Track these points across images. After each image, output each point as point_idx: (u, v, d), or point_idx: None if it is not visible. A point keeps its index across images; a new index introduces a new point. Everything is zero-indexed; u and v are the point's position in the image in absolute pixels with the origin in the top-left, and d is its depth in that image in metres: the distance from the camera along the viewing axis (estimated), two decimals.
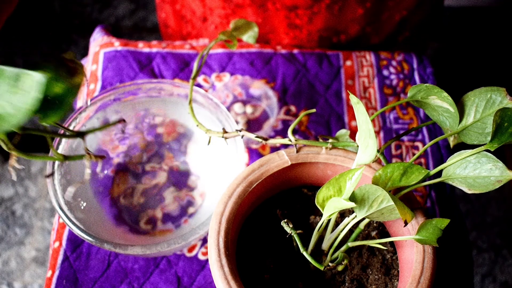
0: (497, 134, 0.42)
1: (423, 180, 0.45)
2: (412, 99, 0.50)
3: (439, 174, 0.46)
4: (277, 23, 0.84)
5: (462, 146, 0.48)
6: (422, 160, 0.75)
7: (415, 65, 0.84)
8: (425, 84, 0.49)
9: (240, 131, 0.53)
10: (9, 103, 0.41)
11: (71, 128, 0.63)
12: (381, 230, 0.53)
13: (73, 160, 0.55)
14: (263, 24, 0.84)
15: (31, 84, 0.41)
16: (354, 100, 0.44)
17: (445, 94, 0.47)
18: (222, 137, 0.55)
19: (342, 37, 0.86)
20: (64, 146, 0.63)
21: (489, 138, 0.43)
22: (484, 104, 0.46)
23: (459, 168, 0.44)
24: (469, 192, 0.44)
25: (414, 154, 0.75)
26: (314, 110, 0.51)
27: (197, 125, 0.57)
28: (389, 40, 0.91)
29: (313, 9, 0.80)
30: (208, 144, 0.57)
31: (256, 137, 0.52)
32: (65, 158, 0.53)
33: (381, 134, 0.77)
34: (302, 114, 0.50)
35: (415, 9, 0.87)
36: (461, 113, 0.47)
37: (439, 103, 0.48)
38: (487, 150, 0.43)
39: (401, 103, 0.61)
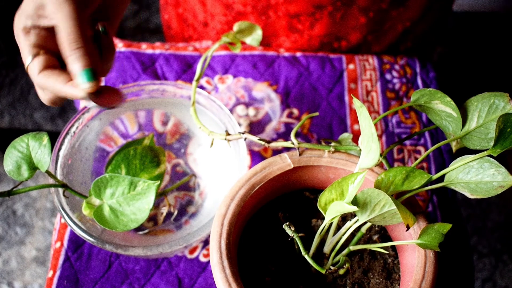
0: (499, 140, 0.42)
1: (425, 184, 0.45)
2: (415, 104, 0.50)
3: (441, 178, 0.46)
4: (279, 28, 0.84)
5: (464, 151, 0.48)
6: (424, 165, 0.75)
7: (418, 70, 0.84)
8: (428, 89, 0.49)
9: (242, 133, 0.53)
10: (137, 208, 0.50)
11: (73, 129, 0.64)
12: (383, 234, 0.53)
13: None
14: (264, 29, 0.84)
15: (148, 189, 0.50)
16: (357, 103, 0.44)
17: (448, 98, 0.47)
18: (225, 139, 0.55)
19: (343, 43, 0.86)
20: (66, 146, 0.63)
21: (491, 144, 0.43)
22: (487, 109, 0.46)
23: (461, 173, 0.44)
24: (472, 197, 0.44)
25: (416, 159, 0.75)
26: (317, 114, 0.51)
27: (200, 127, 0.58)
28: (391, 49, 0.91)
29: (315, 16, 0.80)
30: (211, 146, 0.57)
31: (258, 139, 0.52)
32: None
33: (383, 138, 0.77)
34: (304, 117, 0.50)
35: (418, 20, 0.87)
36: (464, 118, 0.47)
37: (442, 107, 0.48)
38: (489, 155, 0.43)
39: (404, 107, 0.61)
